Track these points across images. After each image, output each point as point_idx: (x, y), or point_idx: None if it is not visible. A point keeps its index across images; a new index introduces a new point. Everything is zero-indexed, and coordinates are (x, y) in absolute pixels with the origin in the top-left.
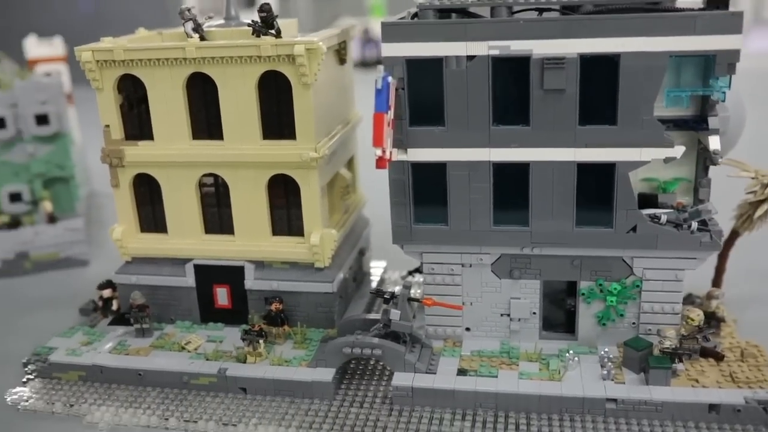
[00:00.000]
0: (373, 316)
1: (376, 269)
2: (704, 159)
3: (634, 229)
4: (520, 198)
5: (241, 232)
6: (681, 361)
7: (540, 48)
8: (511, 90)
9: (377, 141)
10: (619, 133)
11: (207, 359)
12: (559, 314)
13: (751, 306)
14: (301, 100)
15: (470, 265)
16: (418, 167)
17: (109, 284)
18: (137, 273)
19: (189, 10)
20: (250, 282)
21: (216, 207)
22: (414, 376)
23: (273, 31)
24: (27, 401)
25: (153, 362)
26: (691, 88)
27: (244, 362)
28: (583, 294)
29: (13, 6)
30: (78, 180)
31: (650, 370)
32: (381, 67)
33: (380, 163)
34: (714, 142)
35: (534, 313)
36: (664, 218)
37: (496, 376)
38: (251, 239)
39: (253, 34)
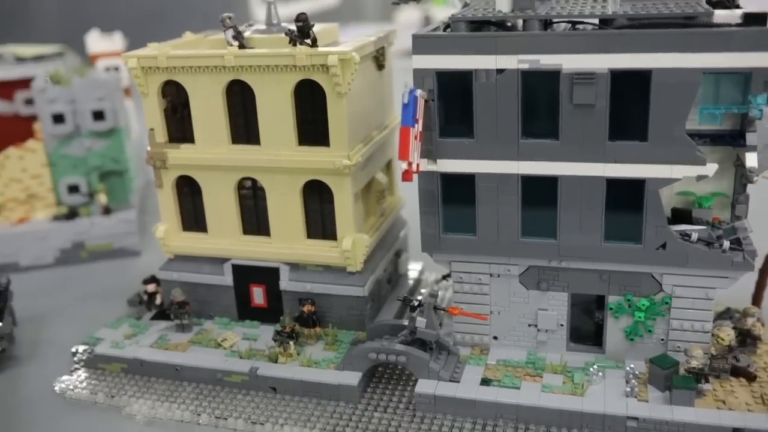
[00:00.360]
0: (402, 321)
1: (413, 272)
2: (741, 175)
3: (663, 245)
4: (548, 211)
5: (277, 234)
6: (707, 381)
7: (570, 62)
8: (541, 104)
9: (403, 154)
10: (650, 149)
11: (240, 357)
12: (588, 326)
13: None
14: (334, 108)
15: (498, 276)
16: (447, 178)
17: (153, 279)
18: (179, 270)
19: (230, 18)
20: (285, 283)
21: (254, 209)
22: (437, 384)
23: (308, 41)
24: (73, 390)
25: (189, 358)
26: (726, 106)
27: (276, 362)
28: (611, 308)
29: (77, 1)
30: (134, 170)
31: (674, 390)
32: (407, 82)
33: (406, 175)
34: (751, 159)
35: (561, 325)
36: (695, 236)
37: (519, 388)
38: (286, 241)
39: (289, 42)
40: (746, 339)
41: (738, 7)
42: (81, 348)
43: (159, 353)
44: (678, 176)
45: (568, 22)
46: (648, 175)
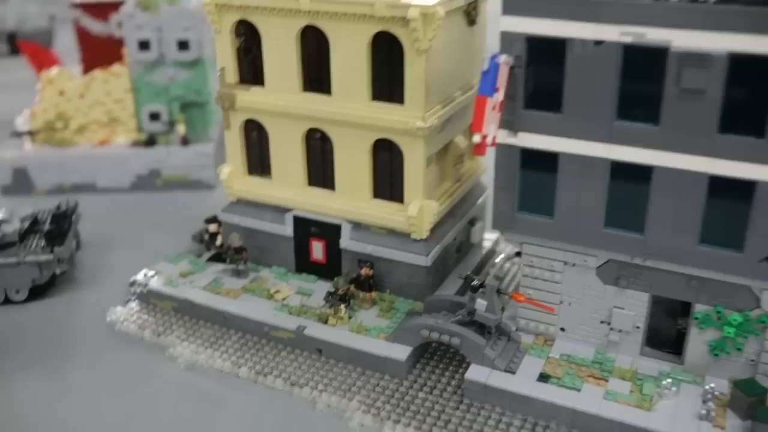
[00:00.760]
0: (463, 299)
1: (488, 242)
2: None
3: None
4: (637, 202)
5: (342, 189)
6: None
7: (681, 39)
8: (642, 83)
9: (476, 126)
10: (767, 148)
11: (290, 313)
12: (668, 331)
13: None
14: (413, 65)
15: (573, 265)
16: (527, 153)
17: (215, 219)
18: (241, 214)
19: None
20: (346, 241)
21: (320, 161)
22: (490, 373)
23: None
24: (123, 323)
25: (239, 306)
26: None
27: (326, 323)
28: (696, 318)
29: None
30: (214, 105)
31: (757, 424)
32: (489, 47)
33: (478, 149)
34: None
35: (638, 327)
36: None
37: (579, 390)
38: (351, 198)
39: None
40: None
41: None
42: (140, 277)
43: (210, 297)
44: None
45: None
46: (761, 177)
